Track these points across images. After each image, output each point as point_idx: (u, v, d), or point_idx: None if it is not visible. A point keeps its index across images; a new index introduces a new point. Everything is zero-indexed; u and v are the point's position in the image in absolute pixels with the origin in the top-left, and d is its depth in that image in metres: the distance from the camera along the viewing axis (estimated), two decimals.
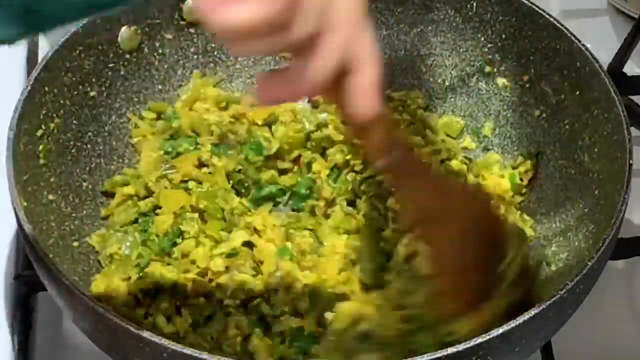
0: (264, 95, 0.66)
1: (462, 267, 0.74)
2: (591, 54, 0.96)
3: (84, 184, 0.98)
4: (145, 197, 0.98)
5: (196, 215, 0.96)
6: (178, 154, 1.01)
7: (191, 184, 0.98)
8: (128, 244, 0.95)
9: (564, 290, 0.78)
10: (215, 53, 1.08)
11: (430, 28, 1.08)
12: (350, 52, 0.65)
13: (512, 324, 0.76)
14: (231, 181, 1.00)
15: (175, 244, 0.95)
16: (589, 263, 0.80)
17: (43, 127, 0.93)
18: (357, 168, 1.00)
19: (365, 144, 0.71)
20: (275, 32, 0.61)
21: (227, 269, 0.92)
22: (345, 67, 0.65)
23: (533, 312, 0.77)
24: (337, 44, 0.64)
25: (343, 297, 0.90)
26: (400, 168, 0.70)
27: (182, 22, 1.05)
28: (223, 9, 0.60)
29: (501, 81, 1.05)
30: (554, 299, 0.78)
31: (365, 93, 0.66)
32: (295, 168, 1.02)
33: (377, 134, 0.68)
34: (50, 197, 0.93)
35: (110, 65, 1.01)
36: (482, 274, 0.76)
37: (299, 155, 1.02)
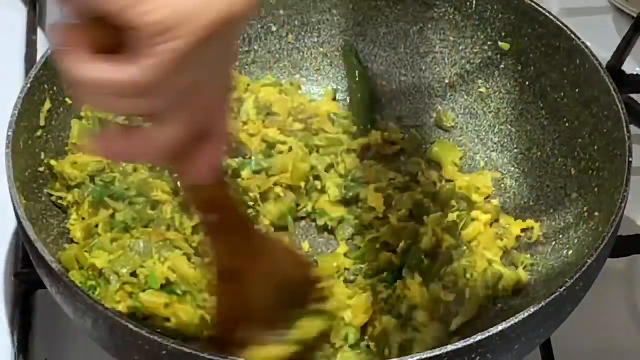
0: (106, 148, 0.67)
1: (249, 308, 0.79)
2: (591, 52, 0.96)
3: None
4: None
5: None
6: None
7: None
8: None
9: (563, 288, 0.78)
10: None
11: (430, 26, 1.08)
12: (204, 125, 0.67)
13: (512, 321, 0.76)
14: None
15: None
16: (588, 261, 0.80)
17: (42, 125, 0.93)
18: None
19: (191, 199, 0.75)
20: (130, 98, 0.61)
21: None
22: (195, 137, 0.67)
23: (532, 309, 0.77)
24: (190, 123, 0.65)
25: None
26: (216, 226, 0.76)
27: None
28: (84, 65, 0.60)
29: (501, 79, 1.05)
30: (553, 296, 0.78)
31: (205, 163, 0.69)
32: None
33: (203, 195, 0.73)
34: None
35: None
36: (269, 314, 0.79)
37: None
